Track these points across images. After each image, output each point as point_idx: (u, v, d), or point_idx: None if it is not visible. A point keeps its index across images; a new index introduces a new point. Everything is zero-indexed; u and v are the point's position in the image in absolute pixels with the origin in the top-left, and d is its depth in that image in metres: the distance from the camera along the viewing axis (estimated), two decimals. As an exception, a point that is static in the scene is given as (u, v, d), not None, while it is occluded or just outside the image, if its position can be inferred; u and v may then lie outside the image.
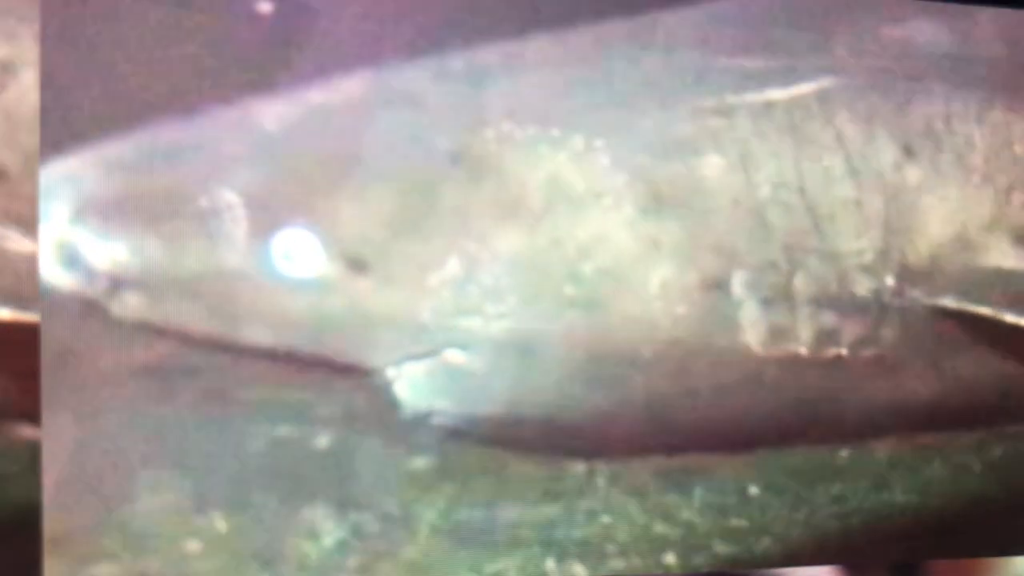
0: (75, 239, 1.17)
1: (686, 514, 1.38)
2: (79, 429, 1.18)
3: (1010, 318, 1.48)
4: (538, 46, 1.31)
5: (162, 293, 1.19)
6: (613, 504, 1.34)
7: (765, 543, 1.41)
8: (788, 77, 1.41)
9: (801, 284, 1.40)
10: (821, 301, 1.41)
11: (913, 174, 1.45)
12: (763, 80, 1.39)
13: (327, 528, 1.26)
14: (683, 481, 1.37)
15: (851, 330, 1.43)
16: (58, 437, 1.17)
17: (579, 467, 1.33)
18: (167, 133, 1.19)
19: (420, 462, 1.28)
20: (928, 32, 1.48)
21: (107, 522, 1.19)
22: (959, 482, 1.49)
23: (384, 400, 1.26)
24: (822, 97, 1.42)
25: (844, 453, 1.45)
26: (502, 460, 1.30)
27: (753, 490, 1.40)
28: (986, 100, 1.49)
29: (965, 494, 1.49)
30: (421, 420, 1.27)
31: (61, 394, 1.17)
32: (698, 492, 1.38)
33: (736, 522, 1.40)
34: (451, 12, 1.28)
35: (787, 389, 1.40)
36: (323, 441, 1.25)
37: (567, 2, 1.32)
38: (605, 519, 1.34)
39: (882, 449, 1.46)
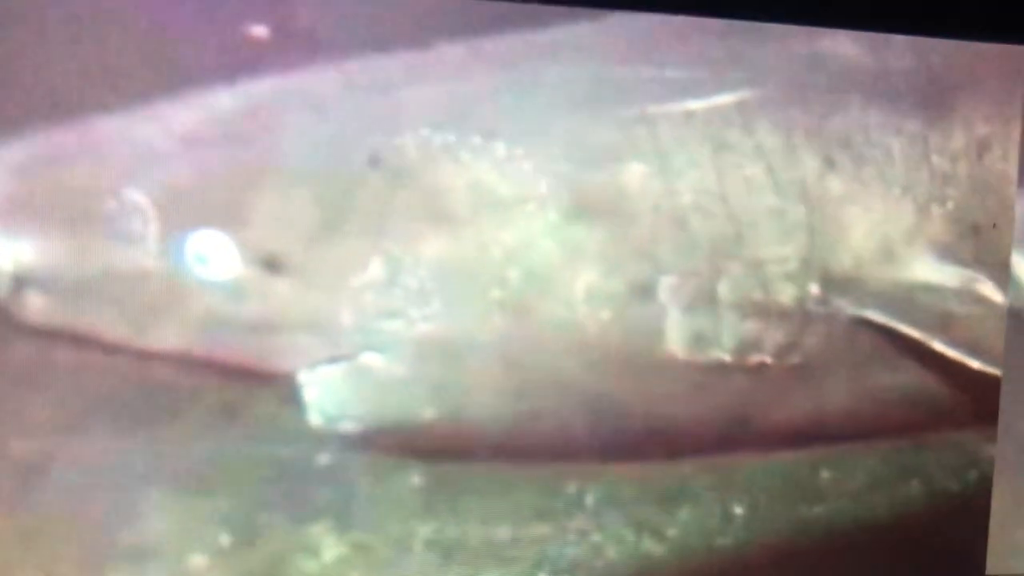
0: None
1: (672, 532, 1.36)
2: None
3: (938, 346, 1.45)
4: (456, 53, 1.28)
5: (67, 295, 1.14)
6: (603, 523, 1.34)
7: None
8: (707, 88, 1.38)
9: (725, 291, 1.38)
10: (745, 308, 1.38)
11: (834, 184, 1.43)
12: (683, 91, 1.37)
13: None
14: (669, 500, 1.37)
15: (775, 337, 1.40)
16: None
17: (571, 487, 1.32)
18: (74, 134, 1.14)
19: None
20: (844, 46, 1.47)
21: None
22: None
23: (293, 405, 1.21)
24: (742, 108, 1.40)
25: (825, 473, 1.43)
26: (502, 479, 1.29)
27: (738, 509, 1.39)
28: (902, 114, 1.47)
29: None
30: (329, 426, 1.23)
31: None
32: (684, 512, 1.37)
33: (721, 540, 1.38)
34: (368, 17, 1.24)
35: (711, 395, 1.37)
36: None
37: (487, 10, 1.29)
38: (595, 537, 1.33)
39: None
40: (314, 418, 1.23)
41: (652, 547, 1.36)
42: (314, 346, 1.22)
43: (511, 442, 1.31)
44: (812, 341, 1.41)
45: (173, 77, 1.17)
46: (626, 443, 1.35)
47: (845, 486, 1.44)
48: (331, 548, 1.23)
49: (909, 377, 1.46)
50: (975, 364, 1.46)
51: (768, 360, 1.39)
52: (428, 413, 1.27)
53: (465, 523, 1.28)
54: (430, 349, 1.26)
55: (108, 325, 1.15)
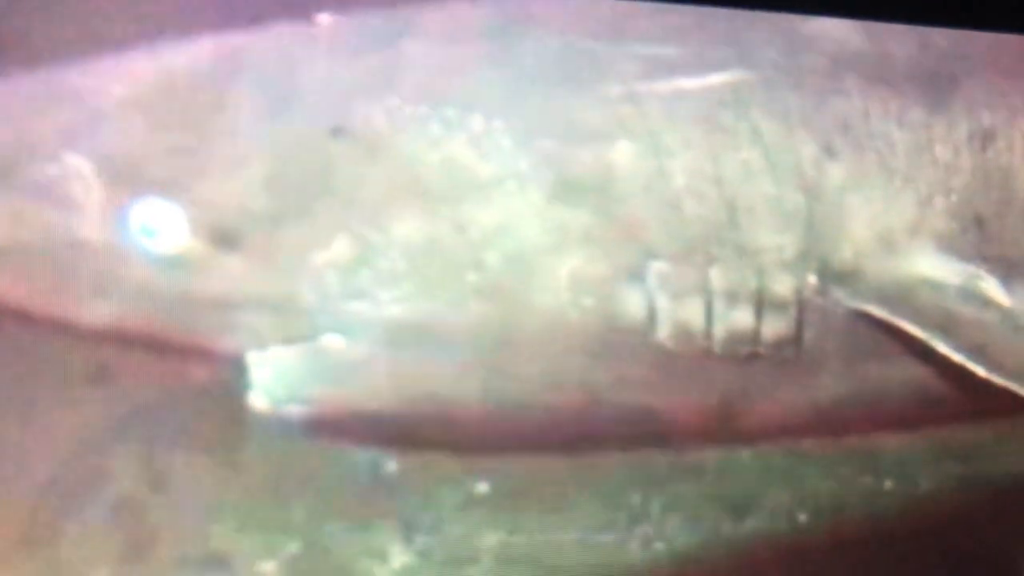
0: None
1: (737, 540, 1.32)
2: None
3: (940, 347, 1.33)
4: (431, 19, 1.18)
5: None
6: (667, 531, 1.28)
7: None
8: (698, 67, 1.28)
9: (717, 278, 1.26)
10: (738, 296, 1.27)
11: (834, 172, 1.32)
12: (671, 69, 1.27)
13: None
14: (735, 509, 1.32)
15: (770, 328, 1.28)
16: None
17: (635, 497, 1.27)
18: (10, 91, 1.03)
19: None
20: (842, 29, 1.37)
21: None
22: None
23: (236, 387, 1.10)
24: (736, 90, 1.29)
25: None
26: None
27: (802, 517, 1.33)
28: (904, 101, 1.36)
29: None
30: (277, 410, 1.12)
31: None
32: (749, 520, 1.31)
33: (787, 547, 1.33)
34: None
35: (699, 386, 1.26)
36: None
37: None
38: (659, 545, 1.28)
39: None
40: (258, 400, 1.11)
41: (717, 555, 1.30)
42: (269, 326, 1.11)
43: (483, 432, 1.20)
44: (809, 333, 1.30)
45: (120, 33, 1.06)
46: (604, 434, 1.25)
47: (906, 495, 1.37)
48: (398, 556, 1.18)
49: (909, 373, 1.34)
50: (980, 371, 1.34)
51: (762, 351, 1.28)
52: (392, 399, 1.16)
53: (531, 532, 1.22)
54: (399, 333, 1.15)
55: (43, 298, 1.04)
